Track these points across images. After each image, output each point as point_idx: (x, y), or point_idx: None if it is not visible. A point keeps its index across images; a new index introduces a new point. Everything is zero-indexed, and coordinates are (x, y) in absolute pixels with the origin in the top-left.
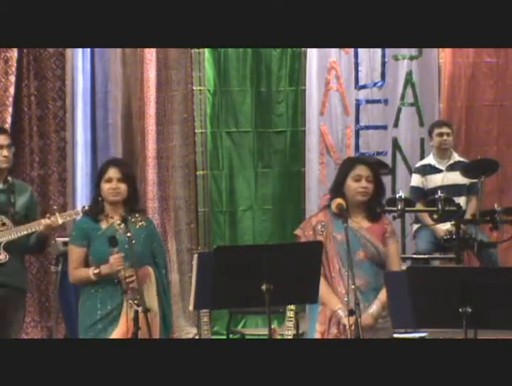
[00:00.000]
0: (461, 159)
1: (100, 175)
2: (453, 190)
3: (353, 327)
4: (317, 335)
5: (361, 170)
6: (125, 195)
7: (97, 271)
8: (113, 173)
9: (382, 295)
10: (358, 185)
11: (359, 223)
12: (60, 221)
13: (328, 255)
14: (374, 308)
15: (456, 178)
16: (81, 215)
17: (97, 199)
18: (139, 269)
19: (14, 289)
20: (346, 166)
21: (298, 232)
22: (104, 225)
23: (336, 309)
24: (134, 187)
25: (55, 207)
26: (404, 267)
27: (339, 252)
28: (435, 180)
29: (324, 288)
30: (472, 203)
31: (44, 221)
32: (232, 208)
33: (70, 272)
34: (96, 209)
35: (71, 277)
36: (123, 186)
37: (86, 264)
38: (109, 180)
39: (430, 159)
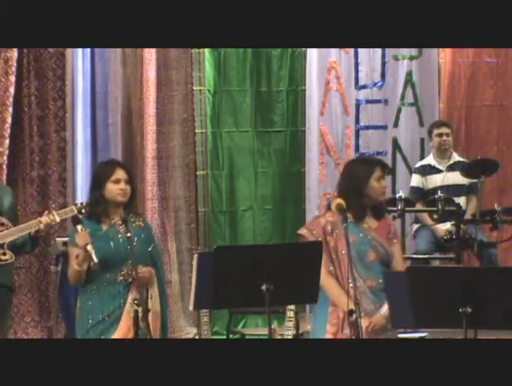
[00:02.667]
0: (461, 159)
1: (106, 176)
2: (453, 190)
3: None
4: (328, 336)
5: (380, 170)
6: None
7: (75, 259)
8: (121, 174)
9: None
10: (380, 185)
11: (368, 223)
12: (58, 219)
13: (339, 256)
14: (386, 309)
15: (456, 178)
16: (76, 212)
17: (99, 199)
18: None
19: (8, 288)
20: (367, 167)
21: (303, 231)
22: (105, 226)
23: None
24: (135, 189)
25: (53, 206)
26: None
27: (350, 253)
28: (435, 180)
29: (335, 289)
30: (472, 203)
31: (44, 219)
32: (232, 208)
33: (68, 273)
34: (98, 210)
35: (69, 278)
36: (129, 188)
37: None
38: (118, 181)
39: (430, 159)
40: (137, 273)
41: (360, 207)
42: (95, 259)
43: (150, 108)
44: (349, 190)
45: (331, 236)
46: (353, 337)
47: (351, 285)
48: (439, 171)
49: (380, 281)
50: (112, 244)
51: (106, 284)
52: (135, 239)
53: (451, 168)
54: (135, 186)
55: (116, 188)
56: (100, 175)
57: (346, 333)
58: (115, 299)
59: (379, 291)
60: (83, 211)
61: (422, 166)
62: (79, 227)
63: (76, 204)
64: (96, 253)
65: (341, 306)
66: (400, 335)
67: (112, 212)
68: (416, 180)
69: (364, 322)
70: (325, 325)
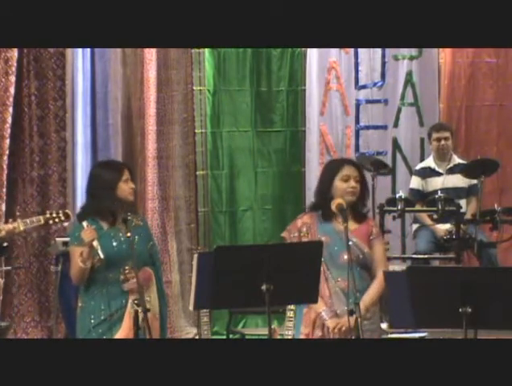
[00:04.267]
0: (461, 161)
1: (118, 176)
2: (453, 193)
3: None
4: (302, 337)
5: (349, 170)
6: None
7: (80, 257)
8: (128, 174)
9: (367, 297)
10: (347, 185)
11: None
12: (22, 228)
13: None
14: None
15: (456, 181)
16: (43, 222)
17: (115, 200)
18: (142, 270)
19: None
20: (333, 167)
21: (284, 234)
22: (105, 225)
23: (320, 311)
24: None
25: (29, 210)
26: (404, 267)
27: (324, 254)
28: (435, 183)
29: None
30: (472, 204)
31: (7, 227)
32: (232, 208)
33: (71, 273)
34: (112, 210)
35: (72, 277)
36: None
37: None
38: (127, 181)
39: (430, 162)
40: (137, 273)
41: (326, 208)
42: (101, 254)
43: (151, 108)
44: (318, 190)
45: (306, 237)
46: (324, 338)
47: (324, 285)
48: (439, 174)
49: (355, 282)
50: (114, 243)
51: (108, 284)
52: (136, 238)
53: (451, 171)
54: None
55: (127, 187)
56: (112, 176)
57: (317, 334)
58: (117, 299)
59: (353, 293)
60: (50, 221)
61: (422, 169)
62: (84, 223)
63: (44, 214)
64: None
65: (314, 308)
66: (400, 335)
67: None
68: (416, 182)
69: (331, 323)
70: (300, 326)
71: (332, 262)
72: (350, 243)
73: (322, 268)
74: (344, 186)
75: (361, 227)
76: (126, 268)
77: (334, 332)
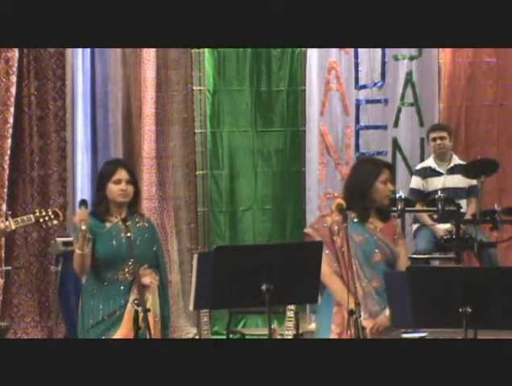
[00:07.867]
0: (461, 162)
1: (107, 176)
2: (453, 193)
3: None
4: (333, 336)
5: (387, 173)
6: (131, 197)
7: (75, 244)
8: (122, 174)
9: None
10: (387, 188)
11: (374, 223)
12: (14, 227)
13: (346, 255)
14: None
15: (456, 181)
16: (33, 220)
17: (102, 199)
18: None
19: None
20: (374, 170)
21: (309, 230)
22: (108, 224)
23: (353, 309)
24: (138, 189)
25: (29, 210)
26: None
27: (356, 253)
28: (436, 183)
29: (340, 288)
30: (472, 204)
31: None
32: (232, 208)
33: (73, 266)
34: (101, 209)
35: (75, 269)
36: (131, 188)
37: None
38: (118, 181)
39: (430, 162)
40: (138, 274)
41: (362, 209)
42: (89, 235)
43: (150, 108)
44: (353, 191)
45: (337, 236)
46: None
47: (356, 284)
48: (439, 174)
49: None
50: (114, 242)
51: (107, 283)
52: (138, 239)
53: (451, 171)
54: (139, 186)
55: (116, 189)
56: (102, 175)
57: (352, 333)
58: (116, 299)
59: (384, 292)
60: (41, 220)
61: (423, 169)
62: (82, 207)
63: (34, 212)
64: (98, 250)
65: (346, 306)
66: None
67: (115, 212)
68: (416, 182)
69: (368, 323)
70: (330, 325)
71: (366, 262)
72: (380, 242)
73: (355, 267)
74: (384, 190)
75: (386, 226)
76: (125, 268)
77: (372, 332)
